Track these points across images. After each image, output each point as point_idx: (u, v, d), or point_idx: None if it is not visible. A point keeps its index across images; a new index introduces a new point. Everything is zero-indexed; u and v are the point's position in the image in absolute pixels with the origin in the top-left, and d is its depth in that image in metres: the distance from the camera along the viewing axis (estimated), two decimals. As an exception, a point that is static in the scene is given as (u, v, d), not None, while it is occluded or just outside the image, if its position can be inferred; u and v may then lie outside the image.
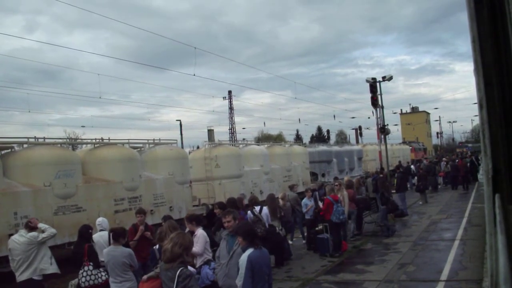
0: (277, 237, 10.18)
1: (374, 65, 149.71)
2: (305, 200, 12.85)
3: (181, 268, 4.15)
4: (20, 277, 7.16)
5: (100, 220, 8.68)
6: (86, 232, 7.92)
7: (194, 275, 4.60)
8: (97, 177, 12.90)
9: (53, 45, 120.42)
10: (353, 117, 63.43)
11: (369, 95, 21.86)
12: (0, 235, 9.92)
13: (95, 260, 7.44)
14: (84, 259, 7.31)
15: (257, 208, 9.95)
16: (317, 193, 14.02)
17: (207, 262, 6.74)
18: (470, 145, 73.76)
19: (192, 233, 7.03)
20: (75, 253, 7.77)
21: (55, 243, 9.28)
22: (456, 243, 11.17)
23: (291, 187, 15.22)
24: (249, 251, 4.85)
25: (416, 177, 26.29)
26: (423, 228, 13.80)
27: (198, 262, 6.68)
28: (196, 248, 6.68)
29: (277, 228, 10.44)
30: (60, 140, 14.78)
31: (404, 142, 57.88)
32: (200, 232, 6.98)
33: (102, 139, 14.19)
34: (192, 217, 7.62)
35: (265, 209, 10.19)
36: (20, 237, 7.29)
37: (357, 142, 52.46)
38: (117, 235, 6.72)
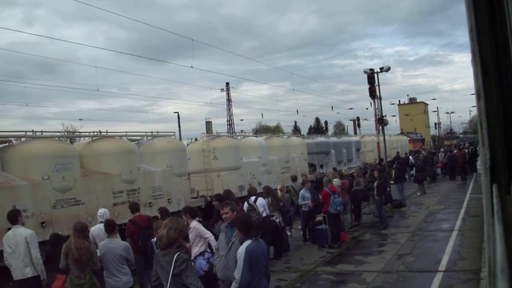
0: (274, 227, 10.19)
1: (372, 56, 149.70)
2: (302, 192, 12.56)
3: (178, 253, 4.24)
4: None
5: (102, 211, 8.53)
6: (59, 237, 7.96)
7: (190, 260, 4.67)
8: (95, 170, 12.87)
9: (51, 38, 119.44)
10: (351, 108, 63.02)
11: (367, 86, 21.75)
12: (-1, 229, 9.92)
13: None
14: None
15: (253, 198, 10.06)
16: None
17: (202, 253, 6.75)
18: (462, 135, 73.66)
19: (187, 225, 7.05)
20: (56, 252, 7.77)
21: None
22: (454, 233, 11.23)
23: (294, 178, 15.04)
24: (247, 243, 4.87)
25: (414, 168, 26.38)
26: (421, 219, 13.86)
27: (193, 253, 6.69)
28: (207, 235, 6.82)
29: (276, 218, 10.43)
30: (58, 134, 14.71)
31: (402, 133, 57.87)
32: (193, 224, 6.99)
33: (100, 132, 14.15)
34: (187, 209, 7.63)
35: (261, 199, 10.25)
36: None
37: (355, 133, 52.38)
38: (112, 227, 6.76)
